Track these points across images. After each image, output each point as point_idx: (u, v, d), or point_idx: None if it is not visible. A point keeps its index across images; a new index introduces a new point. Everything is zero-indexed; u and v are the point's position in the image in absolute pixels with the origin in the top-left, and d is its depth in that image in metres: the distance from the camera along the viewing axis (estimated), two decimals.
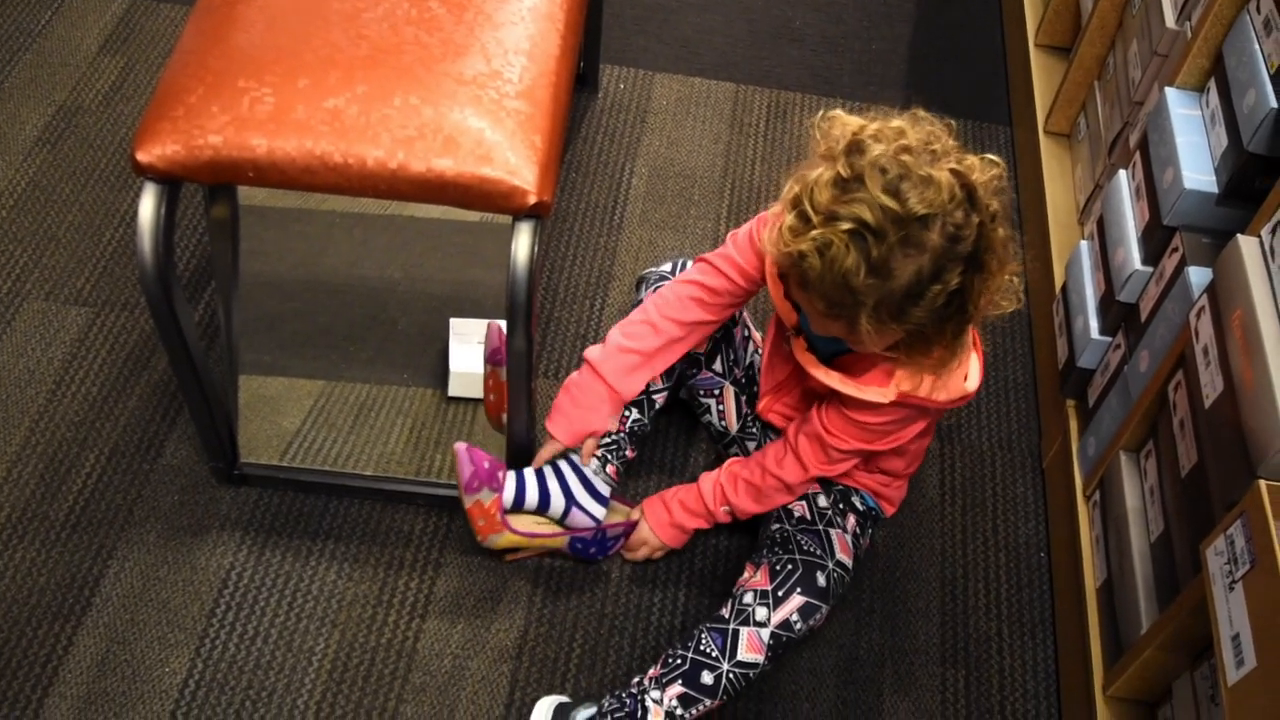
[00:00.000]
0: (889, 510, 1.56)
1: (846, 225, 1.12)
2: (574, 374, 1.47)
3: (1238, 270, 1.26)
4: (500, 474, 1.46)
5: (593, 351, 1.45)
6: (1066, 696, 1.55)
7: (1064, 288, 1.79)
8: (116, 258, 1.85)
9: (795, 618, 1.39)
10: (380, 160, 1.24)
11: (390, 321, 1.81)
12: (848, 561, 1.46)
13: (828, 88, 2.27)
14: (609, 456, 1.50)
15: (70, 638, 1.48)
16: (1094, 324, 1.65)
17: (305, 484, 1.63)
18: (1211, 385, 1.28)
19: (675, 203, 2.03)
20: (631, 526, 1.54)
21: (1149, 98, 1.72)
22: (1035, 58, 2.22)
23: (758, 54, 2.32)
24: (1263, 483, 1.09)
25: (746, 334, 1.60)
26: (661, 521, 1.54)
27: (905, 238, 1.12)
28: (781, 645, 1.39)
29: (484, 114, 1.28)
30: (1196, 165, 1.47)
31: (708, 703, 1.39)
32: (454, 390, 1.71)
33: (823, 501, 1.50)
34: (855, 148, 1.15)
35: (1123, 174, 1.66)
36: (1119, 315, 1.60)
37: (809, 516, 1.48)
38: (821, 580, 1.41)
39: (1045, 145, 2.07)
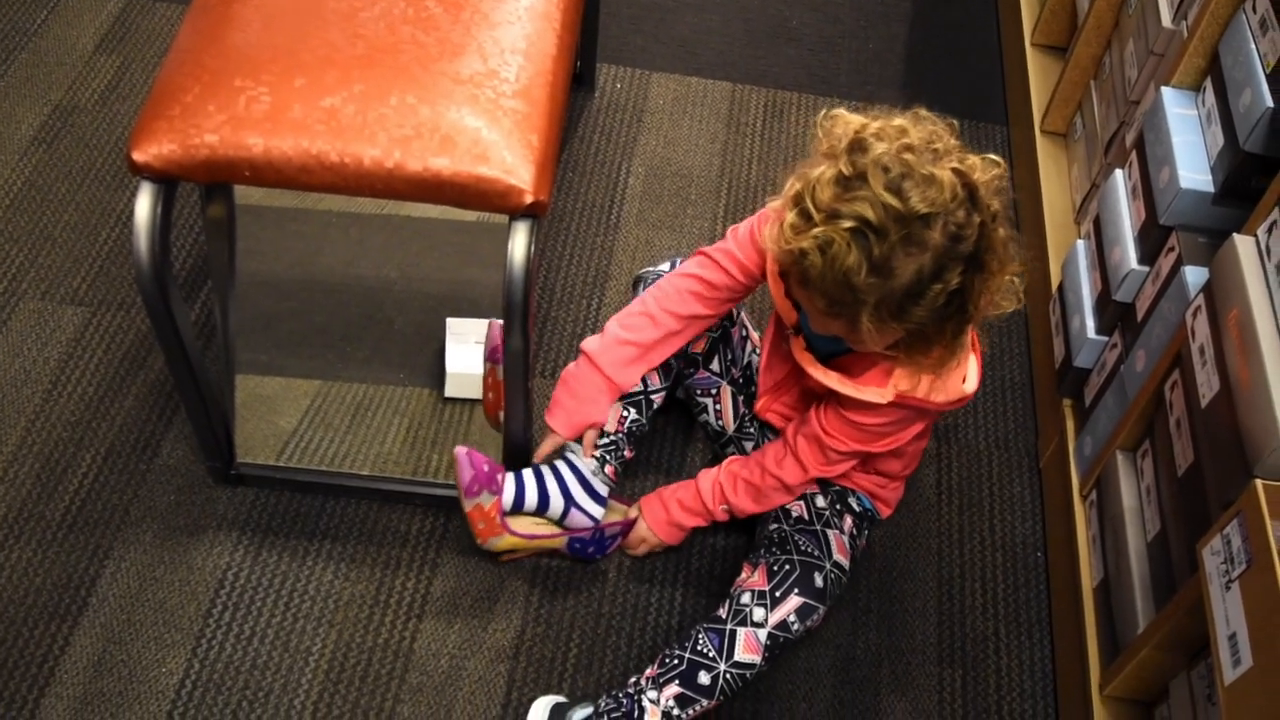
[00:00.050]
0: (885, 512, 1.56)
1: (848, 223, 1.12)
2: (571, 366, 1.47)
3: (1234, 270, 1.26)
4: (499, 477, 1.46)
5: (590, 343, 1.45)
6: (1063, 696, 1.55)
7: (1060, 287, 1.79)
8: (113, 257, 1.85)
9: (793, 618, 1.39)
10: (377, 159, 1.24)
11: (387, 321, 1.80)
12: (845, 562, 1.46)
13: (824, 87, 2.27)
14: (607, 457, 1.50)
15: (67, 638, 1.48)
16: (1090, 323, 1.65)
17: (302, 484, 1.63)
18: (1208, 385, 1.28)
19: (672, 202, 2.03)
20: (630, 525, 1.54)
21: (1145, 97, 1.72)
22: (1031, 57, 2.22)
23: (754, 53, 2.32)
24: (1259, 482, 1.09)
25: (744, 334, 1.60)
26: (659, 520, 1.54)
27: (907, 236, 1.12)
28: (779, 646, 1.39)
29: (481, 113, 1.28)
30: (1193, 165, 1.47)
31: (704, 703, 1.39)
32: (450, 391, 1.71)
33: (820, 502, 1.50)
34: (857, 146, 1.15)
35: (1119, 173, 1.66)
36: (1115, 315, 1.60)
37: (806, 517, 1.48)
38: (819, 581, 1.41)
39: (1041, 145, 2.07)
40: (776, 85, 2.26)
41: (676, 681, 1.39)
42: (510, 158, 1.26)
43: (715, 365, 1.59)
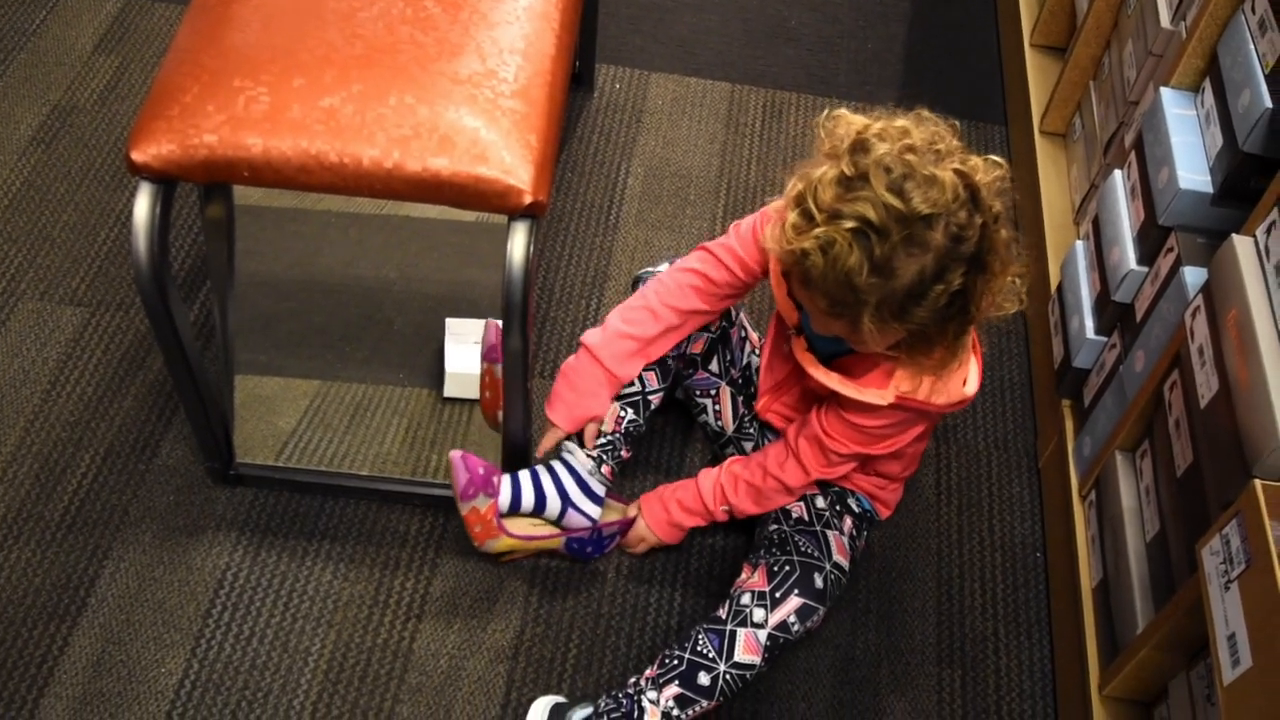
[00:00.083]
0: (884, 513, 1.56)
1: (850, 223, 1.12)
2: (571, 359, 1.47)
3: (1233, 270, 1.26)
4: (495, 479, 1.45)
5: (591, 336, 1.45)
6: (1062, 696, 1.55)
7: (1059, 287, 1.79)
8: (111, 257, 1.85)
9: (793, 619, 1.39)
10: (376, 159, 1.24)
11: (386, 321, 1.80)
12: (844, 564, 1.46)
13: (823, 87, 2.27)
14: (604, 457, 1.50)
15: (66, 638, 1.48)
16: (1089, 324, 1.65)
17: (301, 484, 1.63)
18: (1207, 385, 1.28)
19: (671, 202, 2.03)
20: (628, 524, 1.54)
21: (1144, 98, 1.72)
22: (1030, 57, 2.22)
23: (753, 54, 2.32)
24: (1258, 482, 1.09)
25: (743, 335, 1.60)
26: (659, 520, 1.54)
27: (908, 237, 1.12)
28: (778, 647, 1.39)
29: (479, 113, 1.28)
30: (1191, 165, 1.47)
31: (704, 704, 1.39)
32: (449, 391, 1.71)
33: (820, 503, 1.50)
34: (860, 146, 1.15)
35: (1118, 174, 1.66)
36: (1114, 315, 1.60)
37: (806, 518, 1.48)
38: (819, 582, 1.41)
39: (1040, 145, 2.07)
40: (775, 85, 2.26)
41: (676, 682, 1.39)
42: (509, 158, 1.26)
43: (714, 366, 1.59)
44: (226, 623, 1.52)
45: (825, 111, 1.22)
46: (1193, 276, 1.40)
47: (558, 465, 1.49)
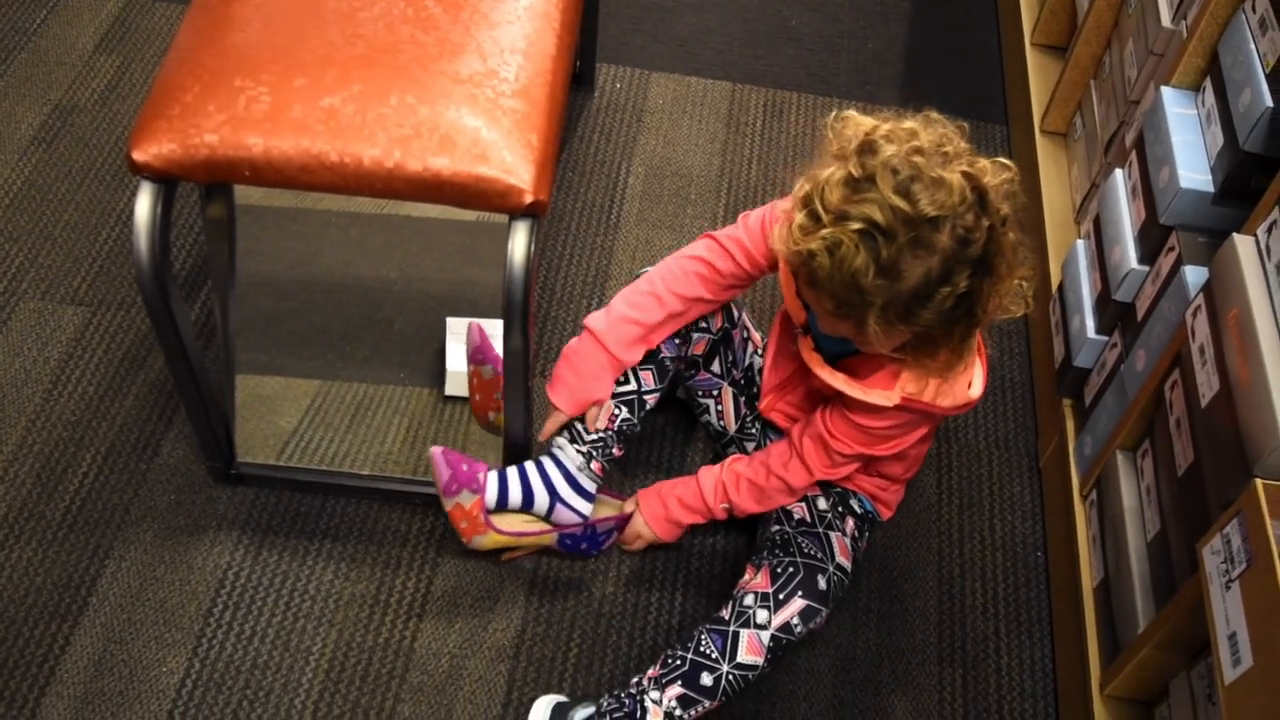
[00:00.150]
0: (886, 514, 1.56)
1: (856, 225, 1.12)
2: (574, 341, 1.46)
3: (1234, 269, 1.26)
4: (481, 475, 1.45)
5: (595, 320, 1.44)
6: (1063, 695, 1.55)
7: (1060, 287, 1.79)
8: (113, 257, 1.85)
9: (796, 621, 1.39)
10: (376, 159, 1.24)
11: (387, 321, 1.80)
12: (847, 565, 1.46)
13: (824, 87, 2.27)
14: (594, 453, 1.49)
15: (67, 637, 1.48)
16: (1090, 323, 1.65)
17: (302, 483, 1.63)
18: (1208, 384, 1.28)
19: (672, 202, 2.03)
20: (625, 520, 1.54)
21: (1145, 97, 1.72)
22: (1031, 57, 2.22)
23: (754, 53, 2.32)
24: (1259, 482, 1.09)
25: (745, 335, 1.60)
26: (657, 516, 1.53)
27: (915, 239, 1.12)
28: (781, 648, 1.39)
29: (480, 113, 1.28)
30: (1192, 164, 1.47)
31: (707, 704, 1.39)
32: (451, 389, 1.71)
33: (822, 504, 1.50)
34: (867, 148, 1.15)
35: (1119, 173, 1.66)
36: (1115, 314, 1.60)
37: (809, 519, 1.48)
38: (822, 584, 1.41)
39: (1041, 144, 2.07)
40: (776, 85, 2.26)
41: (679, 682, 1.39)
42: (510, 157, 1.26)
43: (716, 367, 1.59)
44: (228, 622, 1.52)
45: (833, 113, 1.22)
46: (1194, 276, 1.40)
47: (546, 461, 1.49)
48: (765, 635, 1.38)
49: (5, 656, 1.46)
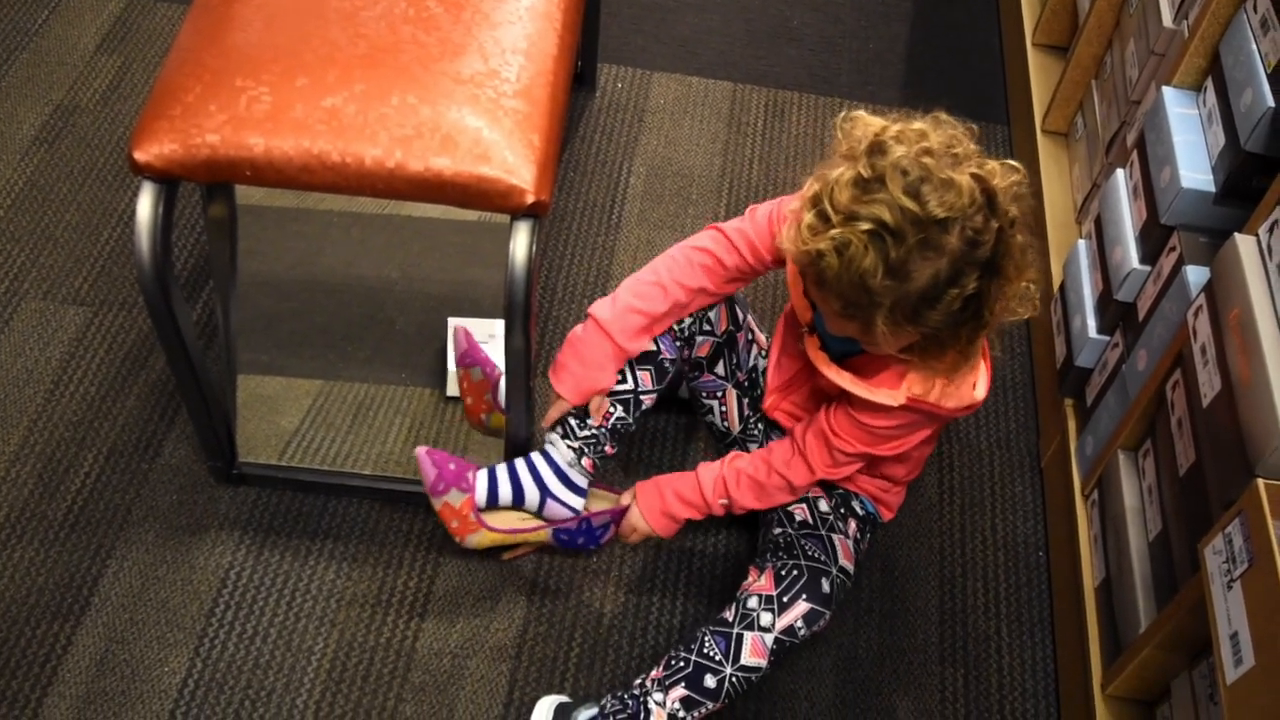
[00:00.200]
0: (887, 516, 1.56)
1: (866, 225, 1.11)
2: (578, 329, 1.45)
3: (1235, 269, 1.26)
4: (470, 474, 1.45)
5: (600, 309, 1.43)
6: (1065, 695, 1.55)
7: (1062, 287, 1.79)
8: (114, 257, 1.85)
9: (799, 624, 1.39)
10: (378, 159, 1.24)
11: (388, 321, 1.81)
12: (850, 567, 1.46)
13: (825, 87, 2.27)
14: (586, 450, 1.49)
15: (69, 637, 1.48)
16: (1092, 323, 1.65)
17: (304, 483, 1.63)
18: (1209, 384, 1.28)
19: (673, 202, 2.03)
20: (621, 513, 1.53)
21: (1146, 97, 1.72)
22: (1033, 57, 2.22)
23: (755, 53, 2.32)
24: (1260, 481, 1.09)
25: (750, 338, 1.59)
26: (653, 509, 1.51)
27: (924, 240, 1.12)
28: (784, 650, 1.39)
29: (482, 113, 1.28)
30: (1194, 164, 1.47)
31: (710, 705, 1.39)
32: (452, 390, 1.71)
33: (824, 506, 1.50)
34: (877, 148, 1.15)
35: (1120, 173, 1.66)
36: (1117, 314, 1.60)
37: (811, 521, 1.48)
38: (826, 586, 1.41)
39: (1043, 144, 2.07)
40: (778, 85, 2.26)
41: (682, 684, 1.38)
42: (511, 157, 1.27)
43: (720, 369, 1.59)
44: (230, 622, 1.52)
45: (843, 113, 1.22)
46: (1195, 276, 1.40)
47: (536, 457, 1.49)
48: (769, 638, 1.38)
49: (7, 656, 1.46)
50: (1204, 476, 1.27)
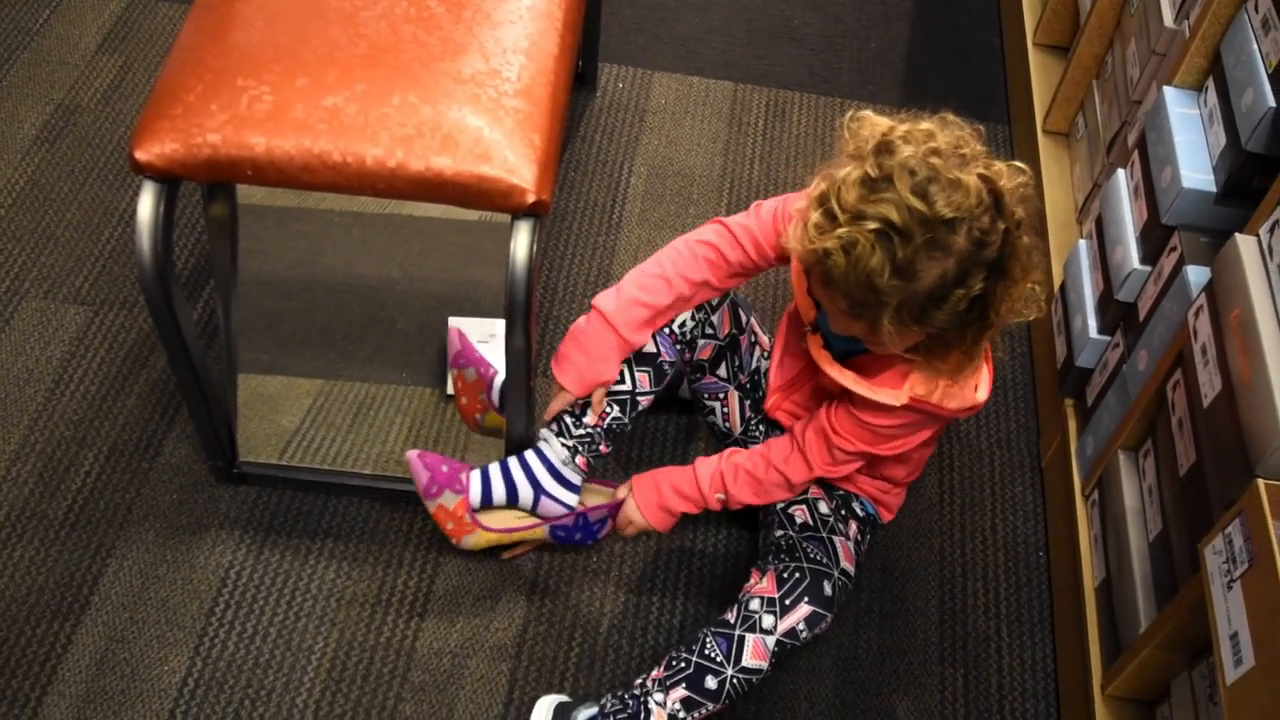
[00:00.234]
0: (887, 517, 1.56)
1: (873, 225, 1.11)
2: (581, 320, 1.44)
3: (1236, 269, 1.26)
4: (463, 475, 1.45)
5: (604, 301, 1.42)
6: (1065, 695, 1.55)
7: (1062, 287, 1.79)
8: (115, 256, 1.85)
9: (801, 626, 1.39)
10: (379, 159, 1.24)
11: (389, 320, 1.81)
12: (851, 569, 1.46)
13: (826, 87, 2.27)
14: (580, 448, 1.48)
15: (69, 636, 1.48)
16: (1092, 323, 1.65)
17: (304, 483, 1.63)
18: (1210, 384, 1.28)
19: (674, 202, 2.04)
20: (616, 506, 1.52)
21: (1147, 97, 1.72)
22: (1034, 57, 2.22)
23: (756, 53, 2.32)
24: (1261, 482, 1.09)
25: (753, 340, 1.59)
26: (650, 502, 1.51)
27: (931, 240, 1.12)
28: (786, 652, 1.39)
29: (482, 112, 1.28)
30: (1195, 164, 1.47)
31: (710, 706, 1.39)
32: (453, 389, 1.71)
33: (824, 508, 1.49)
34: (884, 148, 1.15)
35: (1121, 173, 1.66)
36: (1117, 314, 1.60)
37: (812, 524, 1.48)
38: (828, 589, 1.41)
39: (1044, 144, 2.07)
40: (778, 85, 2.26)
41: (683, 685, 1.38)
42: (512, 157, 1.27)
43: (722, 371, 1.59)
44: (230, 621, 1.52)
45: (849, 112, 1.22)
46: (1196, 276, 1.40)
47: (529, 454, 1.48)
48: (771, 640, 1.38)
49: (7, 655, 1.46)
50: (1204, 477, 1.27)
